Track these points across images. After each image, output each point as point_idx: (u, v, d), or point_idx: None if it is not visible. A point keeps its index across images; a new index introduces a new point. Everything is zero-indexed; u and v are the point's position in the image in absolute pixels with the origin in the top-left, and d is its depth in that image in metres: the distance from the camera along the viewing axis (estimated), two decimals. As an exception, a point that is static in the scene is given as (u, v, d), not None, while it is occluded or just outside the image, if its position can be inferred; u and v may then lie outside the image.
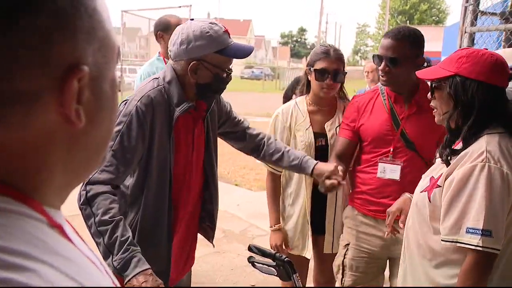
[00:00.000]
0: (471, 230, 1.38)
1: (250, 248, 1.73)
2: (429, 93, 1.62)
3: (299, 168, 1.99)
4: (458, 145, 1.52)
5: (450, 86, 1.49)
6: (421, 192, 1.58)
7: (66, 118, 0.44)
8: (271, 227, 2.39)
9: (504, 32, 3.27)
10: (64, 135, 0.45)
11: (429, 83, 1.66)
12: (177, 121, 1.70)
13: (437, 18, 48.86)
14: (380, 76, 2.07)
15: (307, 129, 2.28)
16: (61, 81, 0.43)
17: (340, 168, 1.95)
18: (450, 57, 1.55)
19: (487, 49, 1.60)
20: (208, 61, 1.65)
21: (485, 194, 1.37)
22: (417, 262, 1.60)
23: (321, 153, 2.27)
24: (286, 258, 1.65)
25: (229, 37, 1.69)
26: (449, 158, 1.50)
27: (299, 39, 79.80)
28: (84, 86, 0.45)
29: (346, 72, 2.26)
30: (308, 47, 73.49)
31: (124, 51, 17.69)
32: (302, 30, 79.97)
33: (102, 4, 0.47)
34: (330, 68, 2.18)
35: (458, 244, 1.42)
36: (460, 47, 3.33)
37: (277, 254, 1.66)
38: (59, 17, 0.42)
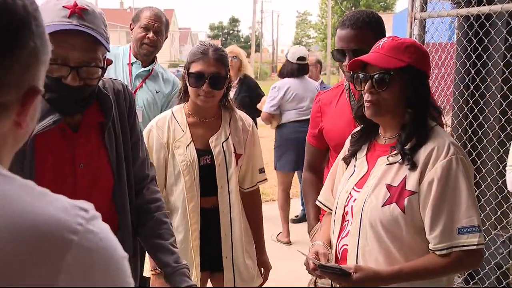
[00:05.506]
0: (466, 230, 1.43)
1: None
2: (374, 85, 1.53)
3: (169, 274, 1.65)
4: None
5: (412, 77, 1.52)
6: (383, 206, 1.50)
7: (18, 124, 0.64)
8: (151, 270, 2.09)
9: (457, 18, 3.30)
10: (12, 135, 0.65)
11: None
12: (35, 141, 1.41)
13: (385, 4, 50.39)
14: (346, 73, 2.00)
15: (188, 145, 2.10)
16: (25, 98, 0.63)
17: None
18: (392, 44, 1.54)
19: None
20: None
21: (467, 188, 1.45)
22: None
23: (206, 174, 2.11)
24: None
25: (71, 16, 1.35)
26: (410, 159, 1.50)
27: (231, 31, 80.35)
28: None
29: (229, 77, 2.13)
30: (242, 39, 74.24)
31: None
32: (234, 21, 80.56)
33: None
34: (208, 72, 2.04)
35: (455, 249, 1.44)
36: (410, 35, 3.34)
37: None
38: (34, 52, 0.63)
